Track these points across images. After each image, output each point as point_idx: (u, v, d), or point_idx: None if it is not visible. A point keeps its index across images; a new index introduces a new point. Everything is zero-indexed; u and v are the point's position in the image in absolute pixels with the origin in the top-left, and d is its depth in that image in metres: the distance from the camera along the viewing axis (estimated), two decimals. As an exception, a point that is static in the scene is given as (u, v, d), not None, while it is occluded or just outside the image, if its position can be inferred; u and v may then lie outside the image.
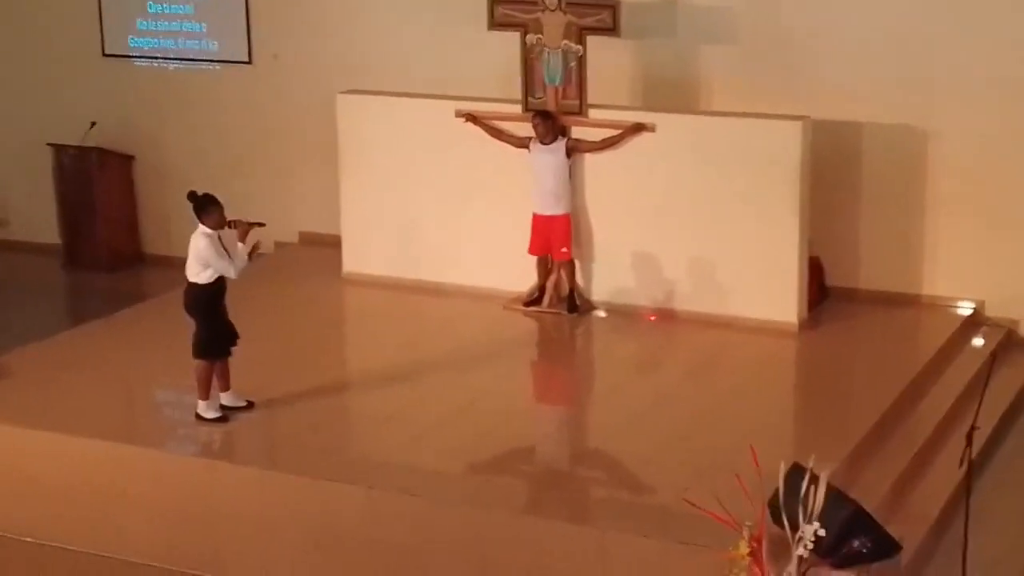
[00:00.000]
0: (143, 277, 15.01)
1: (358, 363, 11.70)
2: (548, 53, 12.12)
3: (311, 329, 11.95)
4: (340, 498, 9.08)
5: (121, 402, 10.76)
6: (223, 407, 10.05)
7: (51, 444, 9.94)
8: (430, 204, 12.85)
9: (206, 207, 9.73)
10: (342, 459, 9.55)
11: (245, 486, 9.41)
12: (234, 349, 10.03)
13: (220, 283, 9.82)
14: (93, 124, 14.92)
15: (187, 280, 9.87)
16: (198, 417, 10.00)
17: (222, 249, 9.73)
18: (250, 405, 10.12)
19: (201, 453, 9.76)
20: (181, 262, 14.60)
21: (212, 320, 9.88)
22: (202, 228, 9.72)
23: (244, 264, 9.77)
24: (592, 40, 12.00)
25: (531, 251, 12.26)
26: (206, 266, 9.72)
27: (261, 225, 9.97)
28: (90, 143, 14.94)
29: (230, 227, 9.78)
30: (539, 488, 9.37)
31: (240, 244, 9.75)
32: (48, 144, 15.11)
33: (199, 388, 9.97)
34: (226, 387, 10.09)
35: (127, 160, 15.25)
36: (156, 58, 15.03)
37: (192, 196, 9.79)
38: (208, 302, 9.84)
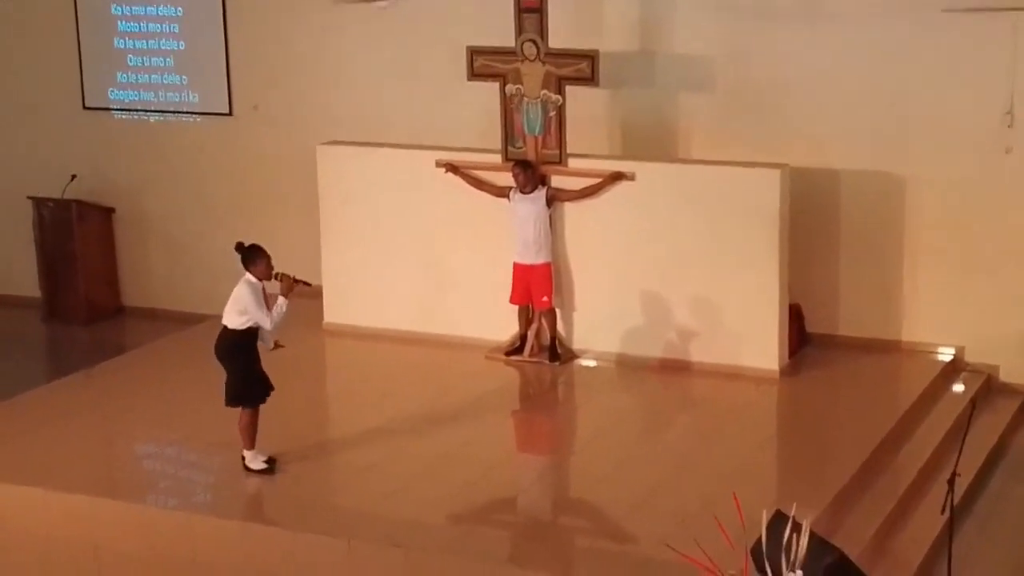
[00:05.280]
0: (123, 329, 15.00)
1: (339, 413, 11.68)
2: (527, 103, 12.18)
3: (291, 380, 11.89)
4: (321, 550, 9.03)
5: (101, 455, 10.71)
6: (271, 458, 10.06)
7: (31, 499, 9.87)
8: (411, 254, 12.87)
9: (253, 257, 9.75)
10: (323, 510, 9.51)
11: (226, 539, 9.36)
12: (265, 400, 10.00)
13: (253, 332, 9.80)
14: (73, 177, 14.93)
15: (223, 326, 9.86)
16: (245, 468, 9.98)
17: (263, 299, 9.73)
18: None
19: (182, 507, 9.69)
20: (162, 314, 14.90)
21: (244, 367, 9.85)
22: (247, 276, 9.74)
23: (281, 317, 9.75)
24: (571, 90, 12.06)
25: (512, 300, 12.27)
26: (242, 313, 9.72)
27: (307, 284, 10.05)
28: (70, 196, 14.94)
29: (276, 279, 9.78)
30: (522, 538, 9.34)
31: (281, 297, 9.74)
32: (28, 197, 15.11)
33: (244, 437, 9.95)
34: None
35: (107, 213, 15.26)
36: (136, 111, 15.07)
37: (240, 247, 9.80)
38: (240, 349, 9.82)
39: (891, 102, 12.14)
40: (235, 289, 9.78)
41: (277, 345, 10.01)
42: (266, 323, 9.74)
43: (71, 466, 10.27)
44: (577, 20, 12.56)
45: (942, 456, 10.42)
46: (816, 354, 12.33)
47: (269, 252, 9.81)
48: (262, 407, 9.95)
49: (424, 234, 12.79)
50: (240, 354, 9.85)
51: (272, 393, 10.02)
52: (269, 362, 9.99)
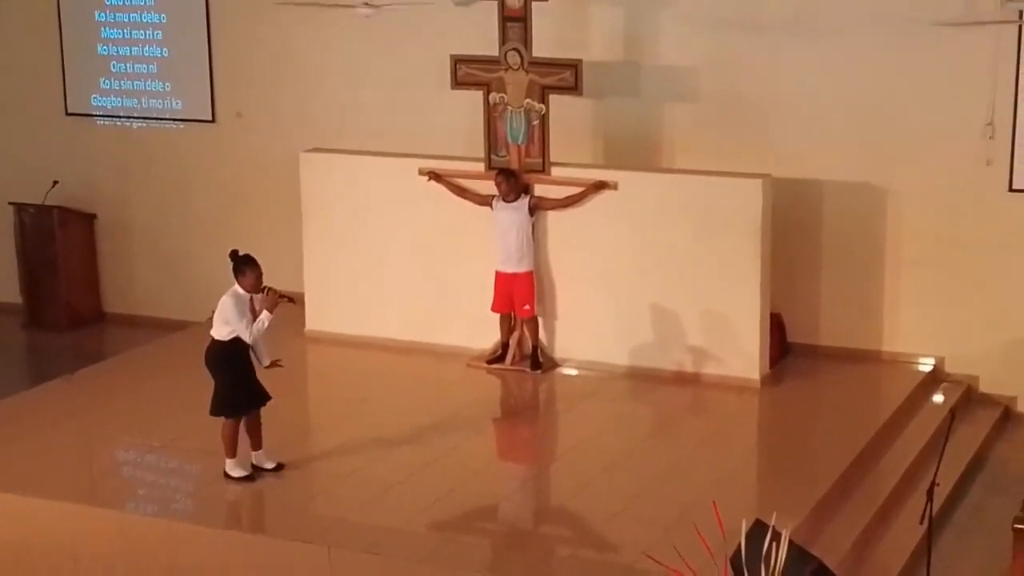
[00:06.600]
0: (104, 336, 14.97)
1: (319, 421, 11.65)
2: (511, 112, 12.20)
3: (273, 387, 11.86)
4: (301, 557, 9.01)
5: (81, 462, 10.67)
6: (253, 467, 10.01)
7: (10, 505, 9.83)
8: (393, 262, 12.87)
9: (243, 268, 9.68)
10: (303, 518, 9.49)
11: (206, 546, 9.33)
12: (258, 410, 9.99)
13: (241, 343, 9.75)
14: (55, 183, 14.89)
15: (211, 336, 9.83)
16: (225, 475, 9.95)
17: (247, 311, 9.67)
18: (279, 467, 10.07)
19: (162, 514, 9.66)
20: (143, 320, 14.86)
21: (231, 378, 9.81)
22: (235, 287, 9.70)
23: (262, 331, 9.69)
24: (554, 99, 12.08)
25: (494, 308, 12.28)
26: (226, 323, 9.68)
27: (291, 301, 9.98)
28: (52, 202, 14.90)
29: (263, 293, 9.73)
30: (502, 547, 9.33)
31: (265, 312, 9.67)
32: (10, 203, 15.07)
33: (225, 446, 9.91)
34: (257, 446, 10.04)
35: (88, 219, 15.23)
36: (119, 117, 15.04)
37: (233, 255, 9.75)
38: (226, 359, 9.77)
39: (873, 113, 12.19)
40: (221, 299, 9.76)
41: (274, 364, 9.95)
42: (245, 336, 9.68)
43: (50, 472, 10.23)
44: (561, 29, 12.59)
45: (921, 466, 10.46)
46: (797, 364, 12.36)
47: (258, 261, 9.76)
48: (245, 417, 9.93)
49: (407, 242, 12.79)
50: (226, 364, 9.81)
51: (265, 404, 9.98)
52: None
